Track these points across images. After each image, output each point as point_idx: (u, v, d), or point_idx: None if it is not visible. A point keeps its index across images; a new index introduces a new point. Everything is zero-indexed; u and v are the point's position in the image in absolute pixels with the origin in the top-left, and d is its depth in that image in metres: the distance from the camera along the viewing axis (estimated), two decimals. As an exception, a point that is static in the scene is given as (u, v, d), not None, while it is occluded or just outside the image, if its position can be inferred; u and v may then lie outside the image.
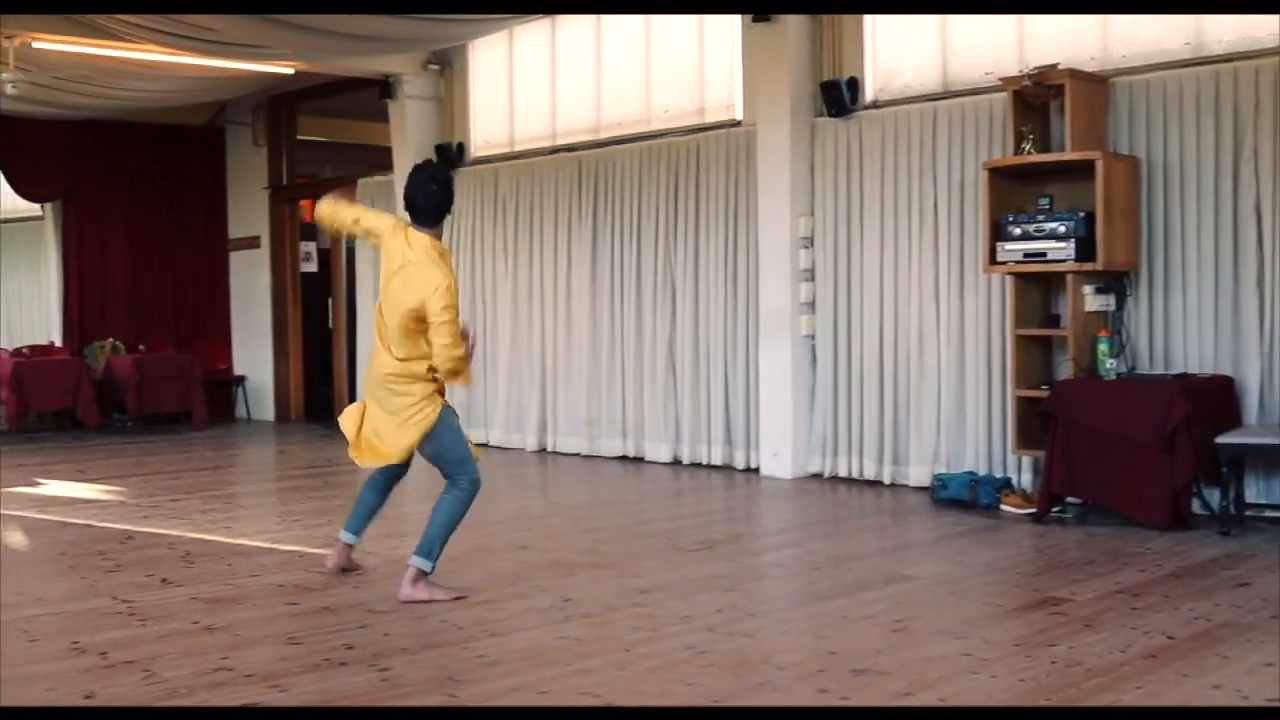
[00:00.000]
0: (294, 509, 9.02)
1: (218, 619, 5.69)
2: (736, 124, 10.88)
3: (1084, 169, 8.23)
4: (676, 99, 11.46)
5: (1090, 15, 8.82)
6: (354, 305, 14.62)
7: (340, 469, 11.52)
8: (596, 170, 11.85)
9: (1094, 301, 8.38)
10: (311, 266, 16.00)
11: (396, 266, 6.02)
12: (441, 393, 6.16)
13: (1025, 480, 8.98)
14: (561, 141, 12.45)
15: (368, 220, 6.34)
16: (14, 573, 6.95)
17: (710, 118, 11.19)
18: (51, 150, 15.13)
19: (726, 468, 10.77)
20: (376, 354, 6.14)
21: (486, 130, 13.27)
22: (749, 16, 10.19)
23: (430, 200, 6.03)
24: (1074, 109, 8.28)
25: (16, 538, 7.94)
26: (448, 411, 6.16)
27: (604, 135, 12.04)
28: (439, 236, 6.12)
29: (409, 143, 13.26)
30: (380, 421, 6.15)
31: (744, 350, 10.66)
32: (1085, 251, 8.17)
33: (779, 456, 10.27)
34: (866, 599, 6.04)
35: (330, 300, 15.44)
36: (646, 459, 11.34)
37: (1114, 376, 8.11)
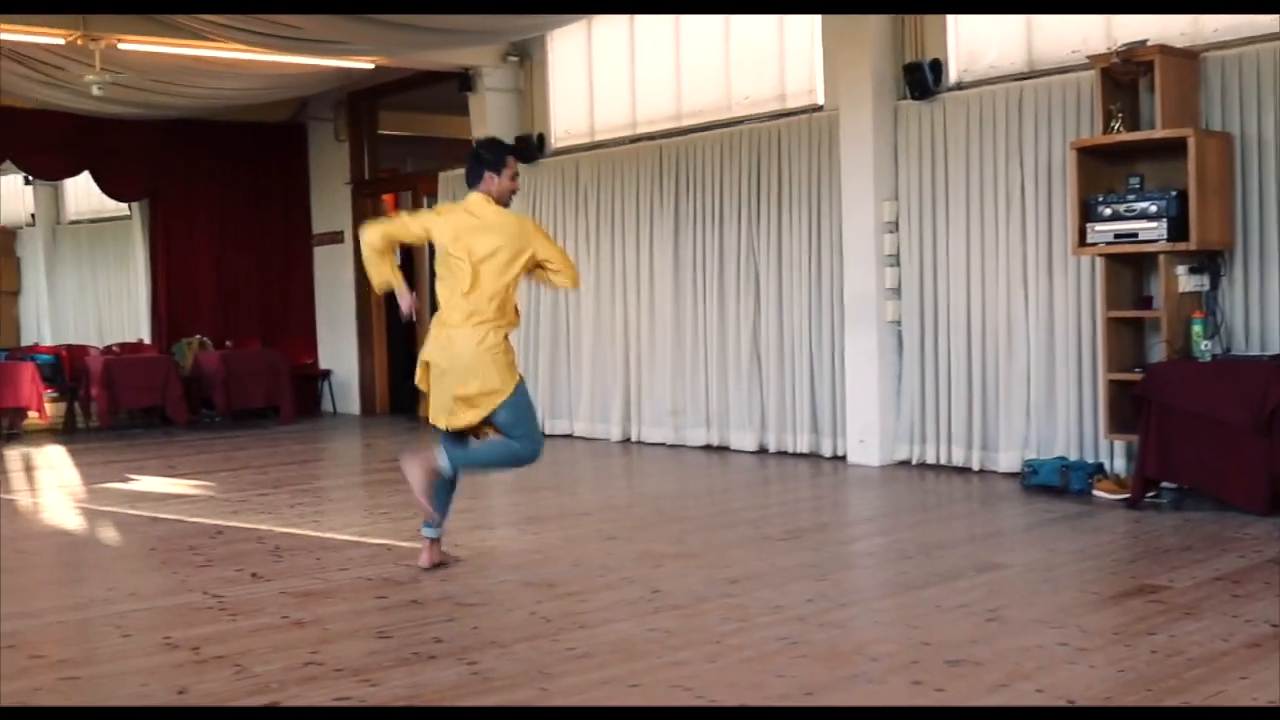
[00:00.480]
0: (381, 502, 9.06)
1: (307, 613, 5.71)
2: (818, 109, 10.78)
3: (1175, 147, 8.06)
4: (757, 85, 11.38)
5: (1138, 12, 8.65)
6: (435, 299, 14.62)
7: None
8: (677, 158, 11.79)
9: (1187, 282, 8.21)
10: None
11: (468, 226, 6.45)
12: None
13: (1118, 465, 8.82)
14: (642, 130, 12.40)
15: (410, 224, 6.78)
16: (107, 568, 7.05)
17: (791, 103, 11.09)
18: (138, 150, 15.31)
19: (813, 456, 10.69)
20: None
21: (567, 121, 13.26)
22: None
23: (468, 166, 6.59)
24: (1164, 86, 8.11)
25: (109, 534, 8.04)
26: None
27: (685, 123, 11.98)
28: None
29: (489, 135, 13.26)
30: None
31: (829, 337, 10.57)
32: (1178, 231, 8.01)
33: (866, 444, 10.18)
34: (959, 588, 5.95)
35: (414, 293, 15.46)
36: (732, 448, 11.28)
37: (1209, 358, 7.95)
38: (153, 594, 6.26)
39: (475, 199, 6.50)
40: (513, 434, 6.36)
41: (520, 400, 6.37)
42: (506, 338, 6.40)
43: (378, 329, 15.95)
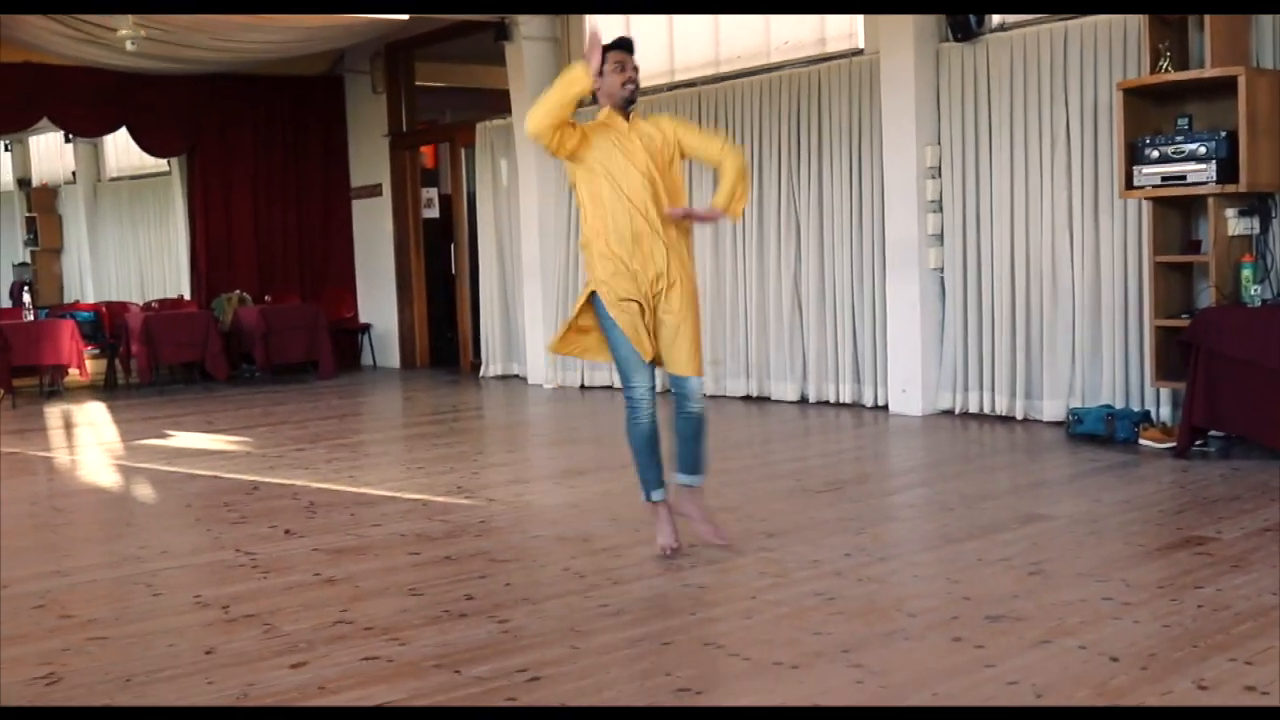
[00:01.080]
0: (418, 456, 9.01)
1: (339, 570, 5.66)
2: (859, 53, 10.59)
3: (1225, 86, 7.85)
4: (796, 29, 11.20)
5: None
6: (475, 250, 14.59)
7: (465, 414, 11.54)
8: (716, 105, 11.63)
9: (1237, 225, 8.02)
10: (433, 213, 16.01)
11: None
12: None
13: (1165, 413, 8.67)
14: (680, 78, 12.24)
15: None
16: (141, 526, 7.02)
17: (831, 47, 10.91)
18: (174, 106, 15.25)
19: (855, 405, 10.57)
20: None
21: (603, 69, 13.10)
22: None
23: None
24: (1214, 23, 7.89)
25: (145, 491, 8.02)
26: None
27: (724, 69, 11.82)
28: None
29: (527, 85, 13.12)
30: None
31: (870, 285, 10.42)
32: (1227, 173, 7.81)
33: (908, 393, 10.05)
34: (1001, 540, 5.83)
35: (453, 246, 15.42)
36: (772, 398, 11.17)
37: (1259, 303, 7.77)
38: (185, 552, 6.23)
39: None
40: None
41: None
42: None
43: (417, 282, 15.90)
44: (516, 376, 14.01)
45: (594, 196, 5.59)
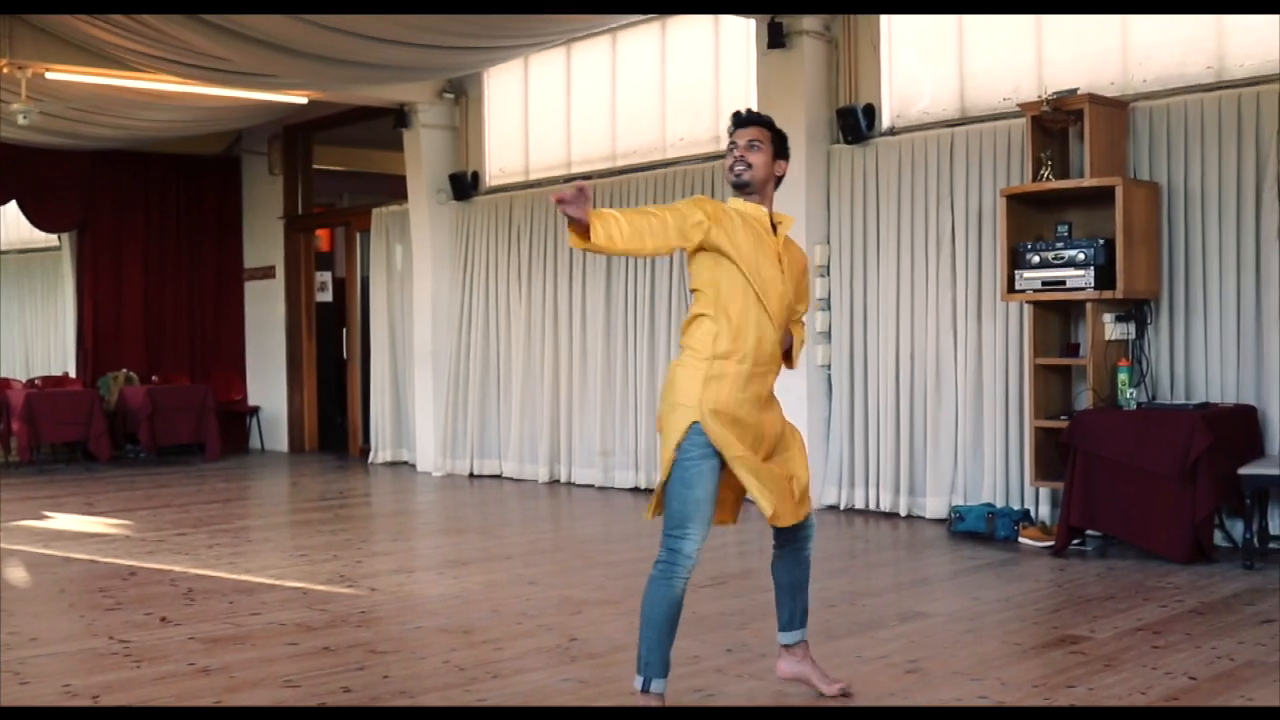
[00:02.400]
0: (302, 543, 8.90)
1: (215, 660, 5.55)
2: (751, 151, 10.72)
3: (1104, 195, 8.09)
4: (692, 126, 11.36)
5: (1109, 40, 8.69)
6: (367, 334, 14.54)
7: (351, 500, 11.42)
8: (612, 198, 11.73)
9: (1114, 330, 8.23)
10: (327, 296, 15.95)
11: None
12: None
13: (1044, 512, 8.81)
14: (577, 170, 12.35)
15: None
16: (11, 611, 6.83)
17: (726, 144, 11.03)
18: (68, 181, 15.10)
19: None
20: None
21: (501, 159, 13.19)
22: (764, 43, 10.05)
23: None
24: (1093, 134, 8.14)
25: (18, 574, 7.84)
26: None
27: (620, 163, 11.95)
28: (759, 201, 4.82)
29: (424, 171, 13.20)
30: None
31: (759, 380, 10.49)
32: (1105, 279, 8.02)
33: (795, 488, 10.10)
34: (881, 638, 5.88)
35: (345, 330, 15.36)
36: (661, 490, 11.17)
37: (1134, 406, 7.96)
38: (57, 639, 6.09)
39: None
40: None
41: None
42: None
43: (308, 365, 15.80)
44: (405, 463, 13.92)
45: (730, 293, 4.61)
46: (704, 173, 10.98)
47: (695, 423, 4.42)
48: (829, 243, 10.08)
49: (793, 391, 9.99)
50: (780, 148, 4.82)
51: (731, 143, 4.77)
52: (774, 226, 4.77)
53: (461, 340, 13.02)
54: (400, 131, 13.35)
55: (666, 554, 4.45)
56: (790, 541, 4.94)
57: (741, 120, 4.80)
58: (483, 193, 13.16)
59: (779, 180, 4.85)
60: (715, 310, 4.60)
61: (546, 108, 12.70)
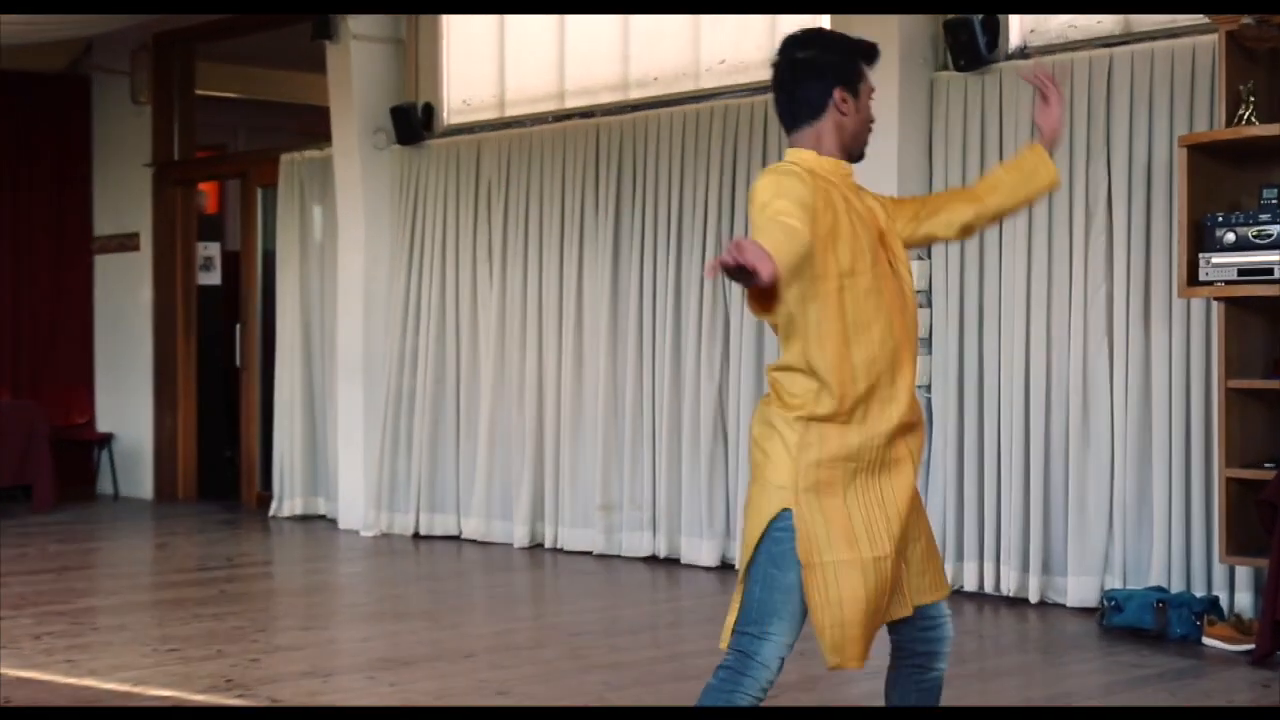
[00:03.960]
0: (172, 633, 8.92)
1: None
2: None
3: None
4: (738, 45, 11.33)
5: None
6: (270, 334, 14.53)
7: (245, 571, 11.41)
8: (622, 144, 11.72)
9: (1343, 340, 8.22)
10: (213, 278, 15.97)
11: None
12: None
13: (1241, 601, 8.78)
14: (573, 103, 12.36)
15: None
16: None
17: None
18: None
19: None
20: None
21: (466, 86, 13.22)
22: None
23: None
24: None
25: None
26: None
27: (634, 95, 11.95)
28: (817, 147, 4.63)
29: (354, 102, 13.15)
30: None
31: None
32: (1330, 267, 8.01)
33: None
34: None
35: (239, 327, 15.33)
36: (683, 561, 11.19)
37: (1371, 452, 7.93)
38: None
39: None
40: None
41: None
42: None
43: (184, 377, 15.80)
44: (322, 517, 13.94)
45: (825, 312, 4.44)
46: (751, 108, 10.94)
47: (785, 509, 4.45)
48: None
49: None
50: None
51: (857, 88, 4.64)
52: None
53: (406, 344, 13.01)
54: (322, 44, 13.31)
55: (735, 658, 4.46)
56: (924, 638, 4.86)
57: (876, 56, 4.73)
58: (439, 134, 13.16)
59: None
60: (800, 325, 4.51)
61: (532, 17, 12.65)
